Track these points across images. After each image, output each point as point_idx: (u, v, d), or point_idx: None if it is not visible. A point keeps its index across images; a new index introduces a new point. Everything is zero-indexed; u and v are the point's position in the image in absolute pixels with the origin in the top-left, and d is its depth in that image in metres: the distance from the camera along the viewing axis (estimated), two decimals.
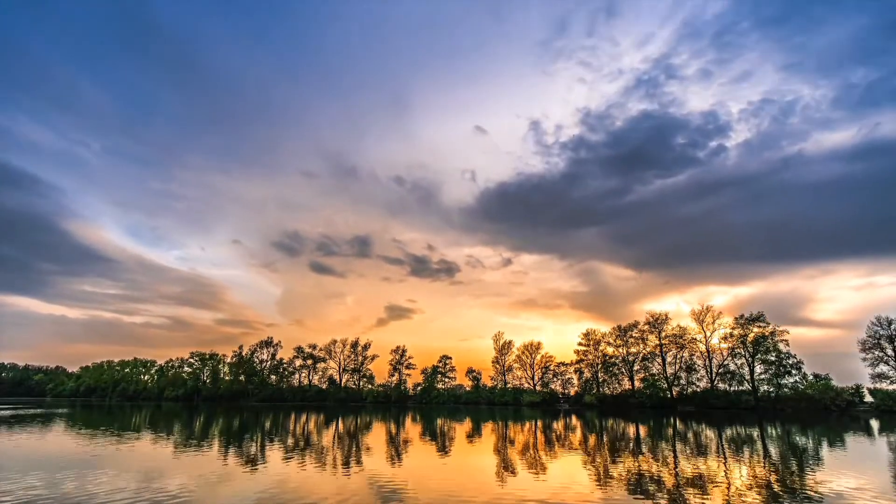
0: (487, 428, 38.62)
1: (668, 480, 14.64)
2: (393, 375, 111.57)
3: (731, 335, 78.65)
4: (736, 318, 79.40)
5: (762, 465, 18.09)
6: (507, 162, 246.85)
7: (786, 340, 73.95)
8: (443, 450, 23.11)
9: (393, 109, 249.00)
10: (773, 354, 73.49)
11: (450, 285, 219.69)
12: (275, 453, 20.60)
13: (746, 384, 75.94)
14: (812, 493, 12.77)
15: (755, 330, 76.58)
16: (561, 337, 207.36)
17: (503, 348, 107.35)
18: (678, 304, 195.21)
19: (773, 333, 75.04)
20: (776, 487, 13.69)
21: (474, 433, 33.70)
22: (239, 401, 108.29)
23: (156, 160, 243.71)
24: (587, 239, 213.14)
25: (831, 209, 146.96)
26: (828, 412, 64.42)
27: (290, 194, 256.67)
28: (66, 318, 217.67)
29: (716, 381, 79.26)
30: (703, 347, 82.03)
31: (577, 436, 31.96)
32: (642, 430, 35.96)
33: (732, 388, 77.63)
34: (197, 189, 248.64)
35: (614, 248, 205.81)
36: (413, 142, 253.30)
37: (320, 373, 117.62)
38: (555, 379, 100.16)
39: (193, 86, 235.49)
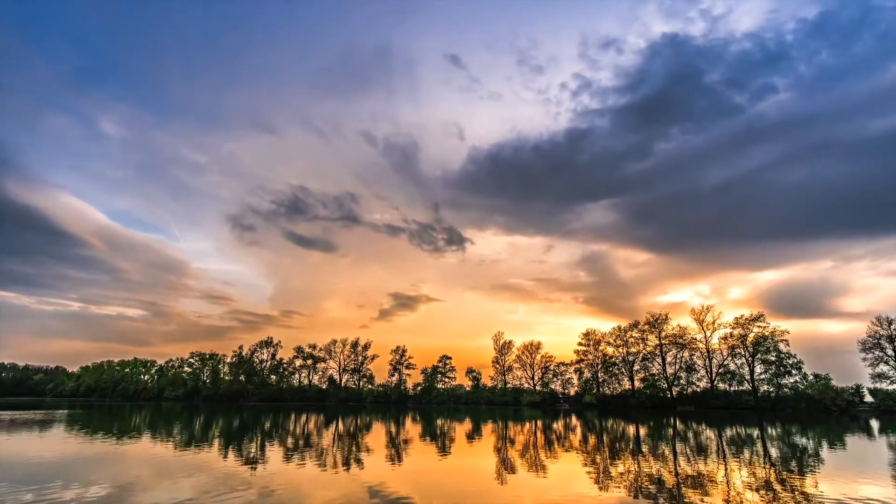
0: (487, 428, 38.60)
1: (669, 480, 14.62)
2: (393, 375, 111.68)
3: (732, 335, 78.72)
4: (736, 318, 79.51)
5: (762, 465, 18.07)
6: (496, 111, 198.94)
7: (786, 340, 74.08)
8: (443, 450, 23.09)
9: (353, 40, 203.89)
10: (773, 354, 73.52)
11: (459, 264, 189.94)
12: (274, 454, 20.58)
13: (746, 384, 75.98)
14: (812, 494, 12.76)
15: (755, 330, 76.64)
16: (564, 334, 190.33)
17: (503, 348, 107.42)
18: (692, 296, 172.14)
19: (773, 333, 75.09)
20: (776, 488, 13.68)
21: (474, 434, 33.67)
22: (239, 401, 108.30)
23: (67, 105, 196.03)
24: (596, 216, 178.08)
25: None
26: (828, 412, 64.42)
27: (247, 155, 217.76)
28: (28, 310, 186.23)
29: (716, 381, 79.28)
30: (703, 347, 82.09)
31: (577, 436, 31.94)
32: (642, 431, 35.94)
33: (732, 388, 77.67)
34: (130, 147, 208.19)
35: (627, 226, 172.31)
36: (384, 86, 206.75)
37: (320, 373, 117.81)
38: (555, 379, 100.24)
39: (113, 15, 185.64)
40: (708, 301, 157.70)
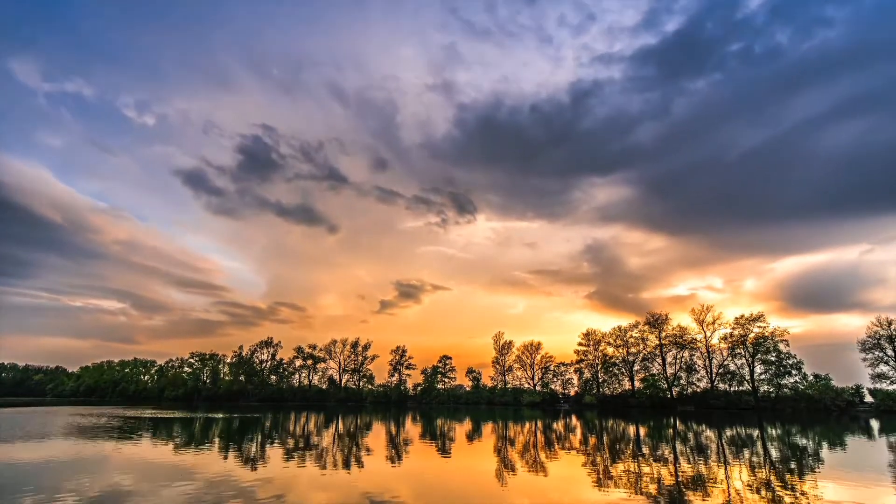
0: (487, 428, 38.59)
1: (668, 481, 14.62)
2: (393, 375, 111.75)
3: (731, 335, 78.71)
4: (736, 318, 79.54)
5: (762, 465, 18.07)
6: (483, 58, 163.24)
7: (786, 340, 74.10)
8: (443, 451, 23.09)
9: None
10: (773, 354, 73.52)
11: (462, 243, 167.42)
12: (274, 454, 20.57)
13: (746, 384, 75.98)
14: (811, 495, 12.76)
15: (755, 330, 76.64)
16: (567, 331, 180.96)
17: (503, 348, 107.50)
18: (703, 289, 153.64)
19: (773, 334, 75.10)
20: (776, 488, 13.68)
21: (474, 434, 33.67)
22: (239, 401, 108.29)
23: None
24: (604, 193, 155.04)
25: None
26: (828, 412, 64.42)
27: (202, 115, 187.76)
28: None
29: (716, 382, 79.27)
30: (703, 347, 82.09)
31: (577, 436, 31.94)
32: (642, 431, 35.93)
33: (732, 389, 77.68)
34: (60, 103, 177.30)
35: (638, 204, 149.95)
36: (345, 24, 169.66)
37: (320, 373, 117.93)
38: (555, 379, 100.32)
39: None
40: (720, 294, 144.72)
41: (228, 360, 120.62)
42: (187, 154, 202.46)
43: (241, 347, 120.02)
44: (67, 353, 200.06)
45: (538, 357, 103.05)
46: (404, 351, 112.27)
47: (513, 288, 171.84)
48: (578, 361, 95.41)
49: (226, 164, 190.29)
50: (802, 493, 12.91)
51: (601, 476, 15.67)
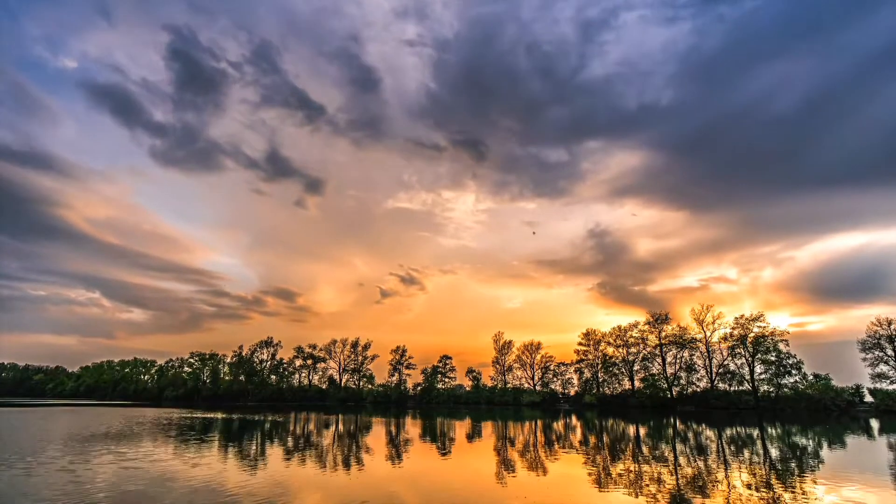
0: (487, 428, 38.60)
1: (668, 481, 14.63)
2: (393, 375, 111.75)
3: (731, 335, 78.68)
4: (736, 318, 79.51)
5: (762, 465, 18.07)
6: None
7: (786, 340, 74.06)
8: (443, 451, 23.10)
9: None
10: (773, 354, 73.48)
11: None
12: (274, 454, 20.58)
13: (746, 384, 75.95)
14: (811, 494, 12.76)
15: (755, 329, 76.60)
16: (568, 328, 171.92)
17: (503, 348, 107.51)
18: (719, 278, 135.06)
19: (773, 333, 75.06)
20: (776, 488, 13.68)
21: (474, 434, 33.68)
22: (239, 401, 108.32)
23: None
24: (614, 159, 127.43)
25: None
26: (828, 412, 64.41)
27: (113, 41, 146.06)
28: None
29: (716, 381, 79.26)
30: (703, 347, 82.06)
31: (577, 436, 31.95)
32: (642, 431, 35.94)
33: (732, 388, 77.65)
34: None
35: (654, 172, 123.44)
36: None
37: (320, 373, 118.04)
38: (555, 379, 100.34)
39: None
40: (734, 286, 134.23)
41: (228, 360, 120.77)
42: (110, 70, 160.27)
43: (240, 347, 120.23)
44: (59, 353, 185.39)
45: (538, 357, 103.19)
46: (404, 350, 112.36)
47: (511, 280, 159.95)
48: (578, 361, 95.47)
49: (158, 78, 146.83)
50: (802, 493, 12.92)
51: (601, 476, 15.67)
